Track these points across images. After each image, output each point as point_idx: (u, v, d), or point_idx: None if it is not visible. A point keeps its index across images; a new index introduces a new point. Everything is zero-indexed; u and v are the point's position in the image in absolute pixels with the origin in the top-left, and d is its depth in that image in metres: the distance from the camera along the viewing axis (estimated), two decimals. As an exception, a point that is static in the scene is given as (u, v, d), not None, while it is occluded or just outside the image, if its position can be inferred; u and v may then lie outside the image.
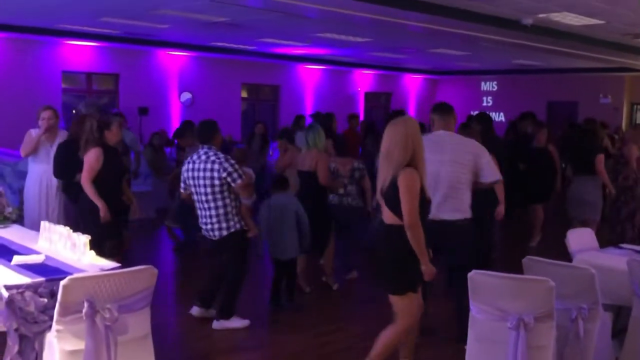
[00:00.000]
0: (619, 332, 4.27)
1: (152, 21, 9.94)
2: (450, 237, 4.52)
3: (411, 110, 19.74)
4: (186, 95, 14.66)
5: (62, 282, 3.14)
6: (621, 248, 4.90)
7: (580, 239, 4.75)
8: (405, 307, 3.74)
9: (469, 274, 3.52)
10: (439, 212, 4.40)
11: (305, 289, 6.11)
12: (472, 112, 18.86)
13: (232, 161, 4.93)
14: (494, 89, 19.70)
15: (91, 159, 5.15)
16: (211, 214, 4.94)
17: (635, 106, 17.24)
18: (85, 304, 3.17)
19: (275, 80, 16.55)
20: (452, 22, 8.48)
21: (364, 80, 18.67)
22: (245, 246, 5.14)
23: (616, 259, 4.38)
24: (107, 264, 3.80)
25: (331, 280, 6.33)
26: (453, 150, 4.58)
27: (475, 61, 15.74)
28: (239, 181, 4.86)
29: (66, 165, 5.74)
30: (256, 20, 9.51)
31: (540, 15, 8.48)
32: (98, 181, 5.15)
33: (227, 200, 4.93)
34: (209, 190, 4.89)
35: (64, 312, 3.17)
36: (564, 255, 4.63)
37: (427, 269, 3.64)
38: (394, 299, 3.76)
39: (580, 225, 7.19)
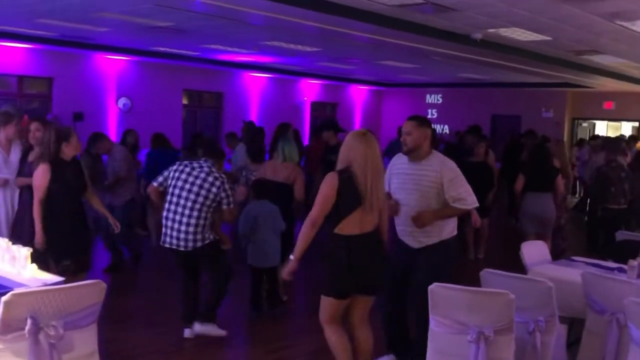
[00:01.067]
0: (571, 344, 4.41)
1: (92, 24, 9.69)
2: None
3: (357, 121, 19.96)
4: (124, 101, 14.35)
5: (2, 298, 3.00)
6: (574, 260, 5.08)
7: (533, 251, 4.90)
8: None
9: (430, 287, 3.57)
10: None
11: (283, 298, 6.20)
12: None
13: (229, 185, 5.14)
14: (439, 102, 20.14)
15: (37, 177, 4.93)
16: (189, 222, 4.91)
17: (576, 121, 17.98)
18: (28, 321, 3.05)
19: (218, 87, 16.42)
20: (401, 34, 8.63)
21: (310, 90, 18.77)
22: (222, 253, 5.21)
23: (569, 272, 4.53)
24: (50, 277, 3.67)
25: (282, 291, 6.32)
26: None
27: (422, 74, 16.07)
28: (231, 206, 5.07)
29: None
30: (201, 26, 9.41)
31: (490, 30, 8.73)
32: (50, 199, 4.94)
33: (209, 214, 5.00)
34: (199, 199, 4.92)
35: (4, 330, 3.03)
36: (508, 267, 4.72)
37: None
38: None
39: (535, 238, 7.39)
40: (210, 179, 4.93)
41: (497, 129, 18.03)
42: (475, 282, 4.01)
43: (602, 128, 18.68)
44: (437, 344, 3.62)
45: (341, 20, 7.67)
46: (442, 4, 7.17)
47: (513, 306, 3.45)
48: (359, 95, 20.46)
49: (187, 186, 4.93)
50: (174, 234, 4.93)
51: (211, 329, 5.15)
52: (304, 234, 3.84)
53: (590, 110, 17.59)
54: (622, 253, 4.99)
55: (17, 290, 3.09)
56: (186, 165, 5.05)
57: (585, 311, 4.20)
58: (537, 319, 3.78)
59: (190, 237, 4.90)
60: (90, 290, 3.28)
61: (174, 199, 4.96)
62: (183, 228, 4.90)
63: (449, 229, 4.42)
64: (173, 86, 15.29)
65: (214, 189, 4.92)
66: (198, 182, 4.92)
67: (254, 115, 16.92)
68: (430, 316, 3.62)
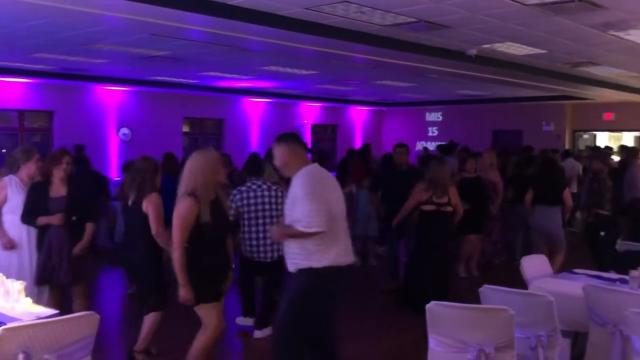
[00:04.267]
0: (576, 358, 4.33)
1: (88, 56, 9.78)
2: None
3: (358, 141, 19.98)
4: (124, 131, 14.43)
5: (-6, 333, 2.97)
6: (575, 273, 5.01)
7: (534, 265, 4.84)
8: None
9: (428, 306, 3.52)
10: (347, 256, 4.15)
11: None
12: (418, 143, 19.43)
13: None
14: (439, 119, 20.16)
15: (159, 206, 4.87)
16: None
17: (576, 133, 17.94)
18: (20, 356, 3.01)
19: (218, 114, 16.49)
20: (397, 53, 8.65)
21: (310, 113, 18.82)
22: None
23: (571, 285, 4.47)
24: (44, 311, 3.63)
25: None
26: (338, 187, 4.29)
27: (420, 92, 16.10)
28: None
29: (33, 208, 5.29)
30: (198, 53, 9.48)
31: (485, 46, 8.75)
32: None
33: None
34: (274, 214, 5.65)
35: (-4, 366, 2.99)
36: (507, 282, 4.64)
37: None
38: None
39: (546, 251, 7.45)
40: (272, 193, 5.72)
41: (499, 144, 17.97)
42: (476, 299, 3.96)
43: (604, 139, 18.62)
44: (438, 364, 3.56)
45: (337, 42, 7.71)
46: (434, 21, 7.20)
47: (513, 322, 3.40)
48: (359, 115, 20.51)
49: (260, 207, 5.69)
50: (259, 248, 5.71)
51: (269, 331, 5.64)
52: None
53: (591, 122, 17.54)
54: (624, 264, 4.93)
55: (8, 325, 3.06)
56: (246, 191, 5.75)
57: (588, 324, 4.13)
58: (539, 334, 3.73)
59: (275, 247, 5.61)
60: (83, 322, 3.25)
61: (251, 221, 5.69)
62: (268, 242, 5.66)
63: (319, 256, 3.99)
64: (173, 114, 15.36)
65: (280, 200, 5.61)
66: (266, 199, 5.72)
67: (254, 140, 16.97)
68: (430, 335, 3.57)
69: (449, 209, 6.56)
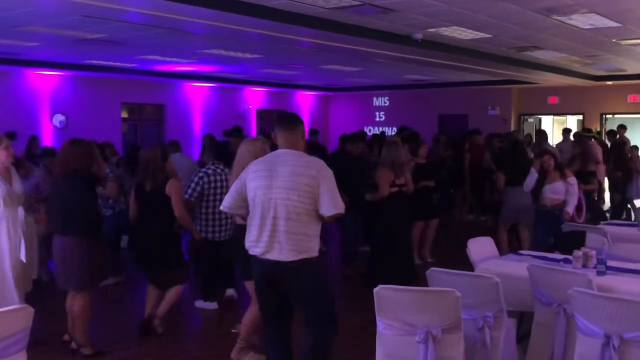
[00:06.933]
0: (522, 337, 4.48)
1: (19, 39, 9.45)
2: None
3: (305, 126, 19.96)
4: (59, 118, 14.04)
5: None
6: (520, 254, 5.17)
7: (480, 247, 4.96)
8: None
9: (375, 290, 3.57)
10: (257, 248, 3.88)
11: None
12: (365, 128, 19.59)
13: None
14: (386, 104, 20.36)
15: (181, 190, 5.64)
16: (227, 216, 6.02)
17: (522, 117, 18.41)
18: (-51, 353, 2.91)
19: (159, 99, 16.22)
20: (342, 37, 8.67)
21: (255, 98, 18.71)
22: None
23: (516, 266, 4.61)
24: (-25, 305, 3.51)
25: None
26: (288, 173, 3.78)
27: (367, 77, 16.21)
28: None
29: None
30: (136, 36, 9.28)
31: (430, 30, 8.86)
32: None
33: None
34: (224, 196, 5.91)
35: None
36: (458, 265, 4.75)
37: None
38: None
39: (508, 230, 8.03)
40: (224, 177, 6.15)
41: (445, 128, 18.29)
42: (424, 281, 4.04)
43: (548, 122, 19.18)
44: (385, 347, 3.62)
45: (282, 25, 7.67)
46: (380, 4, 7.24)
47: (460, 304, 3.48)
48: (305, 101, 20.51)
49: (224, 189, 5.95)
50: (223, 227, 6.23)
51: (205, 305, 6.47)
52: None
53: (536, 106, 18.02)
54: (569, 244, 5.11)
55: None
56: (219, 172, 6.18)
57: (533, 304, 4.27)
58: (486, 315, 3.83)
59: (229, 227, 6.16)
60: (17, 316, 3.15)
61: (217, 202, 5.78)
62: (223, 222, 6.21)
63: None
64: (111, 100, 15.03)
65: (227, 184, 5.88)
66: (225, 182, 6.06)
67: (197, 126, 16.78)
68: (378, 319, 3.62)
69: (406, 189, 6.84)
